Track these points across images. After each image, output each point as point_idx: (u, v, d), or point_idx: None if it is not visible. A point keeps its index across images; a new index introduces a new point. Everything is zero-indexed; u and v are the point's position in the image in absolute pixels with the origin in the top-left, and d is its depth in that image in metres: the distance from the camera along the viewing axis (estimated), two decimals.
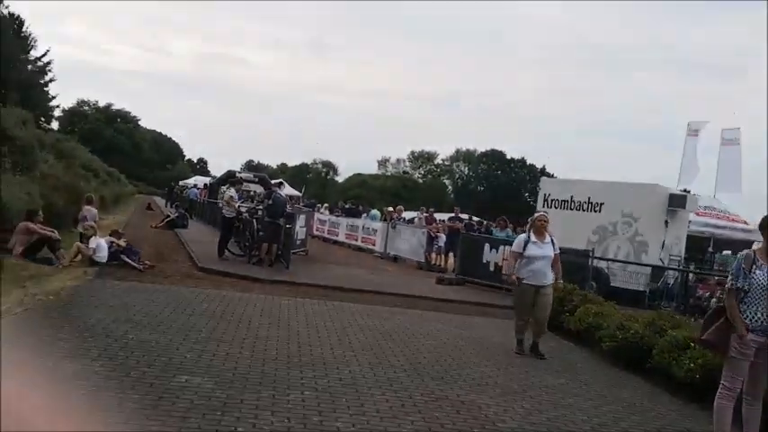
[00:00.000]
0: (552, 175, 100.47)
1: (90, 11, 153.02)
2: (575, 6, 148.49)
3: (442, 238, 21.72)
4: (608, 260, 17.82)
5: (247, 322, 8.64)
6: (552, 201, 20.39)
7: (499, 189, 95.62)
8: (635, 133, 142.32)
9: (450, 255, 22.43)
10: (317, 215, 33.79)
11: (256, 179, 43.77)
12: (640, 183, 19.86)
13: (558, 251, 9.38)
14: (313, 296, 12.12)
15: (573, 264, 15.49)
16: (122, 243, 13.29)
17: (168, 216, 28.11)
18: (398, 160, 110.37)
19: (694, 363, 7.99)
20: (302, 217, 18.98)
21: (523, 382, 7.56)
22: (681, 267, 18.13)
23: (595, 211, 19.39)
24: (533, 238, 9.18)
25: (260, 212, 16.43)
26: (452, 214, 24.21)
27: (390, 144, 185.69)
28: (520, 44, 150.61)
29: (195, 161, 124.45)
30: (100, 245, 12.59)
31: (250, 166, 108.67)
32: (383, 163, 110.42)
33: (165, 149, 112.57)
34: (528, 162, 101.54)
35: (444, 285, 16.71)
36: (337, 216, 31.27)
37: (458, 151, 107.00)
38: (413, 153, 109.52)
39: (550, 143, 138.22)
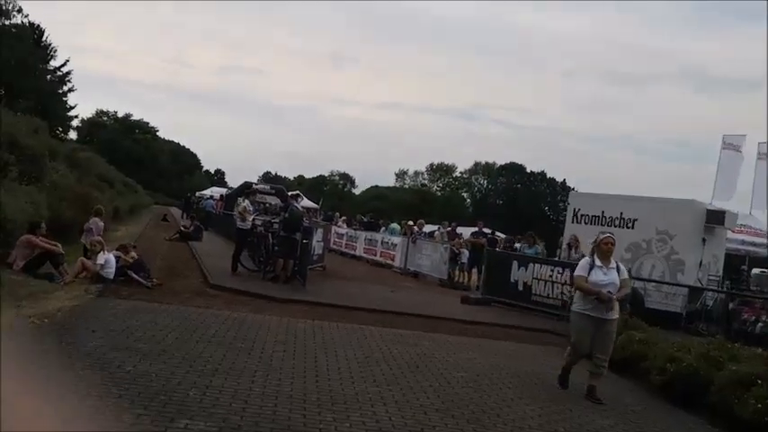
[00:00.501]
0: (572, 189, 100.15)
1: (111, 21, 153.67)
2: (599, 19, 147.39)
3: (465, 254, 20.84)
4: (646, 280, 16.84)
5: (260, 350, 7.81)
6: (582, 216, 19.45)
7: (518, 203, 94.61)
8: (657, 149, 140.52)
9: (474, 271, 21.58)
10: (334, 228, 33.00)
11: (273, 191, 43.08)
12: (676, 198, 18.90)
13: (627, 277, 8.37)
14: (331, 317, 11.28)
15: None
16: (130, 258, 12.53)
17: (181, 228, 27.39)
18: (417, 173, 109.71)
19: (762, 403, 7.09)
20: (319, 231, 18.19)
21: (569, 423, 6.68)
22: (724, 289, 17.12)
23: (628, 228, 18.44)
24: (598, 262, 8.07)
25: (275, 226, 15.64)
26: (475, 229, 23.35)
27: (409, 156, 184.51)
28: (540, 58, 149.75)
29: (213, 172, 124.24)
30: (108, 260, 11.84)
31: (267, 177, 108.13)
32: (401, 175, 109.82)
33: (183, 160, 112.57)
34: (548, 176, 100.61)
35: (470, 305, 15.82)
36: (356, 230, 30.46)
37: (477, 164, 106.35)
38: (431, 165, 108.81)
39: (569, 157, 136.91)
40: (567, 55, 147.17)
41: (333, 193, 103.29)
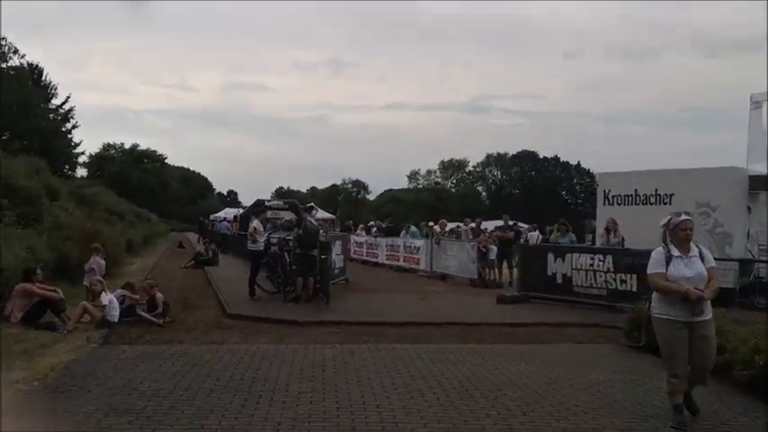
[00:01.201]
0: (588, 171, 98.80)
1: (110, 54, 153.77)
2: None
3: (494, 249, 19.67)
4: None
5: (284, 393, 6.72)
6: (614, 197, 18.27)
7: (534, 190, 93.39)
8: (672, 121, 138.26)
9: (504, 266, 20.43)
10: (353, 237, 31.96)
11: (286, 206, 42.16)
12: (715, 167, 17.68)
13: (714, 265, 6.65)
14: (360, 338, 10.20)
15: None
16: (137, 296, 11.52)
17: (196, 255, 26.45)
18: (429, 172, 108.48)
19: None
20: (338, 243, 17.10)
21: None
22: None
23: (665, 204, 17.23)
24: (675, 251, 6.53)
25: (291, 243, 14.60)
26: (500, 222, 22.17)
27: (419, 156, 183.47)
28: (540, 42, 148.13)
29: (225, 193, 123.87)
30: (111, 301, 10.82)
31: (280, 192, 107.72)
32: (413, 176, 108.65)
33: (195, 185, 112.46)
34: (561, 160, 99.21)
35: (507, 305, 14.67)
36: (375, 237, 29.38)
37: (489, 156, 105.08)
38: (443, 163, 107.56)
39: (581, 139, 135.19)
40: (566, 35, 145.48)
41: (347, 201, 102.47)
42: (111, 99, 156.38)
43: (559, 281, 14.80)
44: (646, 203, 17.61)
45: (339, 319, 11.90)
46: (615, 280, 13.75)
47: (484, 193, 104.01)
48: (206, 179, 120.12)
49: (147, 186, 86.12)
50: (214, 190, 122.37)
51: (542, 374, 7.91)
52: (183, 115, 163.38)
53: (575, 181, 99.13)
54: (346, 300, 14.62)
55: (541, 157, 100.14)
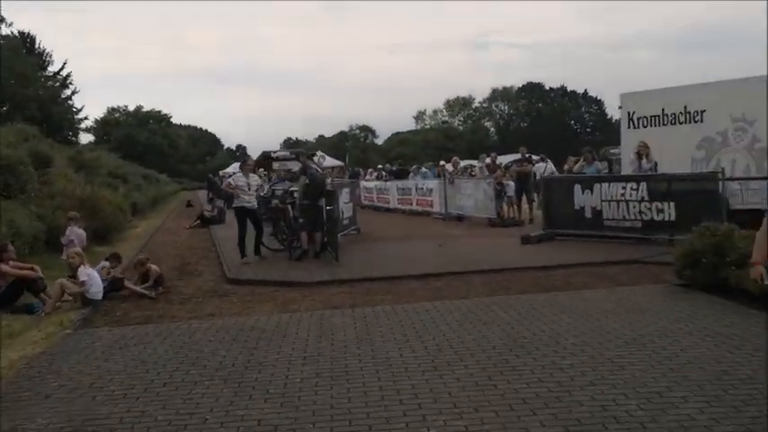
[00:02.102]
0: (596, 99, 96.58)
1: (106, 19, 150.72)
2: None
3: (511, 185, 18.37)
4: (729, 179, 14.24)
5: (283, 379, 5.52)
6: (639, 119, 16.76)
7: (543, 122, 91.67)
8: (680, 41, 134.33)
9: (524, 201, 19.15)
10: (362, 183, 30.71)
11: (294, 156, 40.79)
12: (749, 77, 16.15)
13: None
14: (375, 298, 9.02)
15: (697, 193, 12.12)
16: (119, 272, 10.35)
17: (201, 214, 25.32)
18: (435, 111, 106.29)
19: None
20: (345, 191, 15.80)
21: None
22: None
23: (696, 122, 15.75)
24: None
25: (295, 195, 13.32)
26: (518, 155, 20.79)
27: (425, 97, 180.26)
28: None
29: (234, 149, 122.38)
30: (91, 276, 9.62)
31: (288, 144, 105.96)
32: (420, 117, 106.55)
33: (203, 142, 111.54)
34: (569, 89, 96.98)
35: (533, 245, 13.44)
36: (386, 180, 28.07)
37: (494, 91, 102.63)
38: (448, 101, 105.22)
39: (585, 66, 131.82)
40: None
41: (356, 146, 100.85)
42: (111, 63, 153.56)
43: (588, 215, 13.52)
44: (675, 123, 16.12)
45: (350, 276, 10.70)
46: (651, 209, 12.46)
47: (492, 129, 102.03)
48: (214, 135, 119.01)
49: (156, 147, 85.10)
50: (223, 146, 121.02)
51: (591, 330, 6.67)
52: (184, 74, 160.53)
53: (583, 110, 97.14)
54: (357, 253, 13.42)
55: (548, 88, 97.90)
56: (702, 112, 15.66)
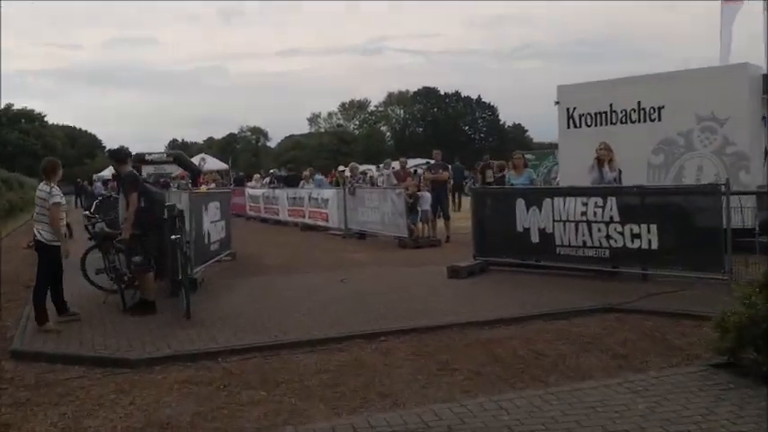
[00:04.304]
0: (489, 105, 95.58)
1: None
2: None
3: (427, 197, 14.98)
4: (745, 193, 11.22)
5: None
6: (582, 116, 13.80)
7: (438, 126, 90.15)
8: (565, 53, 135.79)
9: (440, 217, 15.84)
10: (247, 191, 26.82)
11: (171, 158, 36.18)
12: (719, 66, 13.47)
13: None
14: (237, 400, 5.35)
15: (690, 213, 9.07)
16: None
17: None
18: (330, 114, 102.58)
19: None
20: (213, 206, 11.85)
21: None
22: None
23: (652, 120, 12.95)
24: None
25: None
26: (430, 161, 17.53)
27: (320, 101, 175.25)
28: None
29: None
30: None
31: (174, 145, 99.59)
32: (314, 119, 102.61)
33: (82, 144, 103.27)
34: (463, 95, 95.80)
35: (464, 280, 10.06)
36: (274, 188, 24.24)
37: (390, 95, 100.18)
38: (343, 104, 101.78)
39: (479, 74, 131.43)
40: None
41: (246, 149, 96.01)
42: None
43: (535, 239, 10.25)
44: (626, 122, 13.23)
45: (204, 344, 6.90)
46: (623, 234, 9.26)
47: (388, 134, 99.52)
48: (94, 137, 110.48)
49: (28, 149, 77.39)
50: (104, 147, 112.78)
51: None
52: (70, 74, 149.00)
53: (477, 115, 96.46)
54: (224, 296, 9.61)
55: (442, 93, 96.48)
56: (660, 108, 12.85)
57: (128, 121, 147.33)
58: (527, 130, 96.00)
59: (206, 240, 11.11)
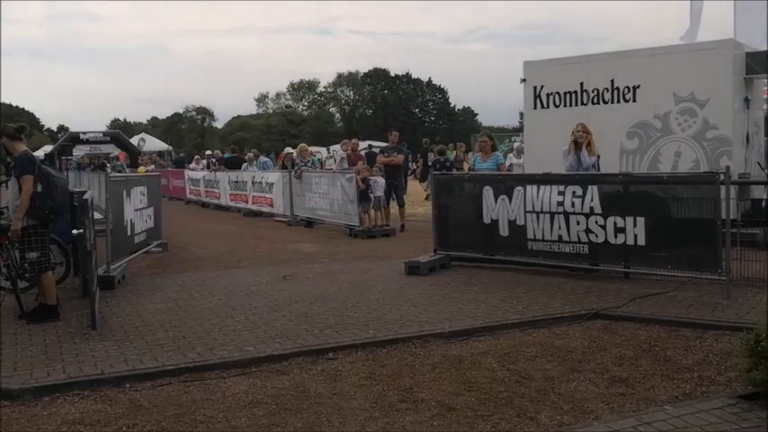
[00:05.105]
0: (440, 87, 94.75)
1: None
2: None
3: (380, 183, 13.72)
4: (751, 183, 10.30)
5: None
6: (550, 96, 12.68)
7: (388, 108, 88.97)
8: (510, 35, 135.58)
9: (393, 205, 14.63)
10: (187, 173, 25.24)
11: (108, 138, 34.27)
12: (701, 42, 12.46)
13: None
14: None
15: (683, 204, 8.03)
16: None
17: None
18: (278, 94, 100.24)
19: None
20: (138, 191, 10.37)
21: None
22: None
23: (626, 101, 11.91)
24: None
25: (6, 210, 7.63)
26: (384, 144, 16.26)
27: (268, 81, 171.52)
28: None
29: (56, 129, 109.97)
30: None
31: (116, 125, 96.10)
32: (262, 100, 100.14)
33: (17, 121, 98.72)
34: (413, 77, 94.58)
35: (425, 278, 8.88)
36: (214, 171, 22.71)
37: (340, 76, 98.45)
38: (292, 85, 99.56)
39: (429, 55, 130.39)
40: None
41: (192, 130, 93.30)
42: None
43: (504, 232, 9.10)
44: (598, 102, 12.17)
45: (109, 369, 5.54)
46: (604, 228, 8.16)
47: (338, 115, 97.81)
48: (32, 114, 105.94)
49: None
50: (42, 126, 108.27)
51: None
52: (7, 49, 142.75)
53: (427, 98, 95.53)
54: (146, 298, 8.22)
55: (393, 75, 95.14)
56: (635, 87, 11.83)
57: (69, 100, 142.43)
58: (477, 114, 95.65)
59: (128, 231, 9.67)
